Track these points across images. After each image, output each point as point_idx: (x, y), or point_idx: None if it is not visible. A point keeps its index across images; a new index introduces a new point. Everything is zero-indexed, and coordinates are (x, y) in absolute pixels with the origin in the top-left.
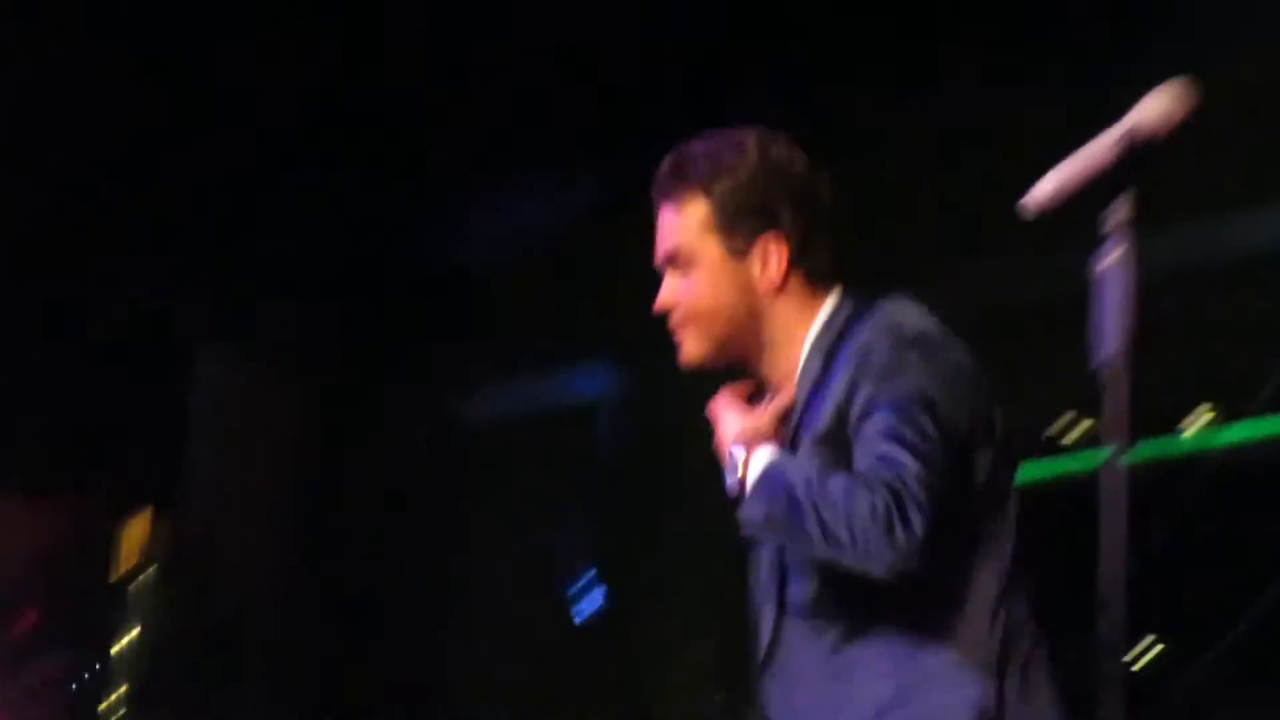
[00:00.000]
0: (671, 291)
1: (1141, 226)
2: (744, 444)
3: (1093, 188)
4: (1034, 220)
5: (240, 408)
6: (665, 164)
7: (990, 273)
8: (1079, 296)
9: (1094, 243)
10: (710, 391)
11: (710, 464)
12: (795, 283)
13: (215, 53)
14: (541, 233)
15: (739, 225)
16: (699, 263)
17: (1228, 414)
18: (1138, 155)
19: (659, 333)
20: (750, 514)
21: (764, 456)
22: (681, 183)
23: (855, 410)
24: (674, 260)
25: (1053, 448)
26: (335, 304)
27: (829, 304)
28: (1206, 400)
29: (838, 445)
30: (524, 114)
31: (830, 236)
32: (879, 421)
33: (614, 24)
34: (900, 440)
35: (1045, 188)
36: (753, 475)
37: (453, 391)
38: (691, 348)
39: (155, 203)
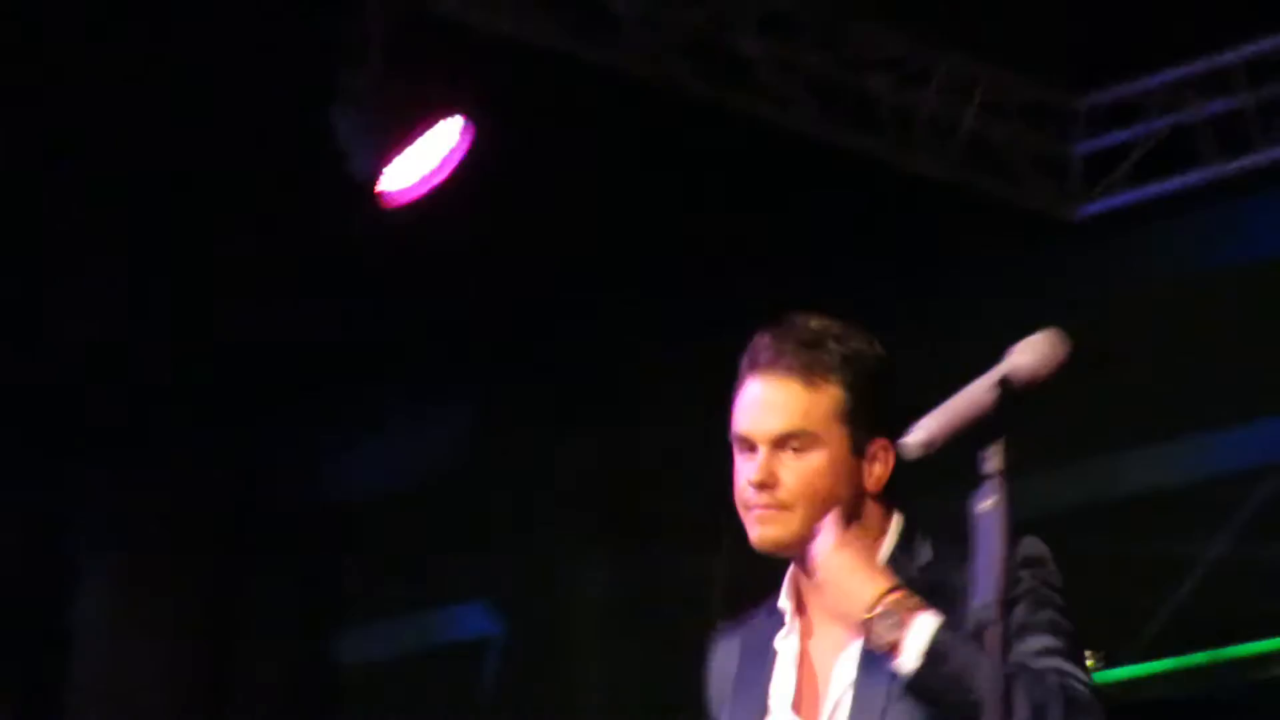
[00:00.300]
0: (785, 469)
1: (1021, 468)
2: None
3: (971, 431)
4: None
5: (121, 626)
6: (792, 335)
7: None
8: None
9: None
10: (581, 632)
11: (586, 704)
12: (881, 495)
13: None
14: (417, 471)
15: (864, 421)
16: (823, 449)
17: (1108, 658)
18: (1014, 400)
19: (532, 573)
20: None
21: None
22: (819, 362)
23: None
24: (792, 439)
25: None
26: (208, 535)
27: (896, 524)
28: (1088, 644)
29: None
30: (398, 353)
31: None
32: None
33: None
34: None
35: (924, 430)
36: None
37: (326, 629)
38: (780, 531)
39: (38, 426)
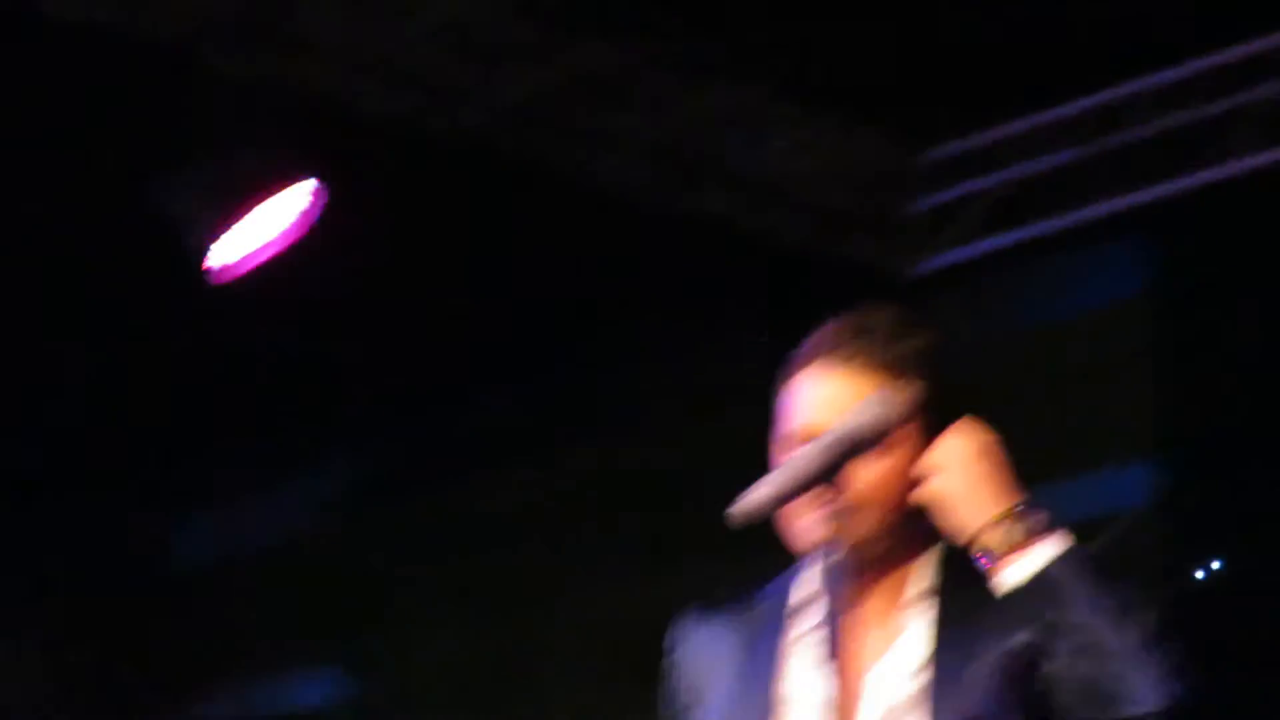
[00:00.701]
0: (859, 469)
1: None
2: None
3: (807, 493)
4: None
5: None
6: (868, 326)
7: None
8: None
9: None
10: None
11: None
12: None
13: None
14: (266, 539)
15: (936, 421)
16: (899, 451)
17: None
18: (846, 464)
19: (381, 642)
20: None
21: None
22: (901, 360)
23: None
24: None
25: None
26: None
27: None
28: None
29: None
30: (242, 426)
31: None
32: None
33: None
34: None
35: (758, 495)
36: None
37: (178, 695)
38: (846, 534)
39: None
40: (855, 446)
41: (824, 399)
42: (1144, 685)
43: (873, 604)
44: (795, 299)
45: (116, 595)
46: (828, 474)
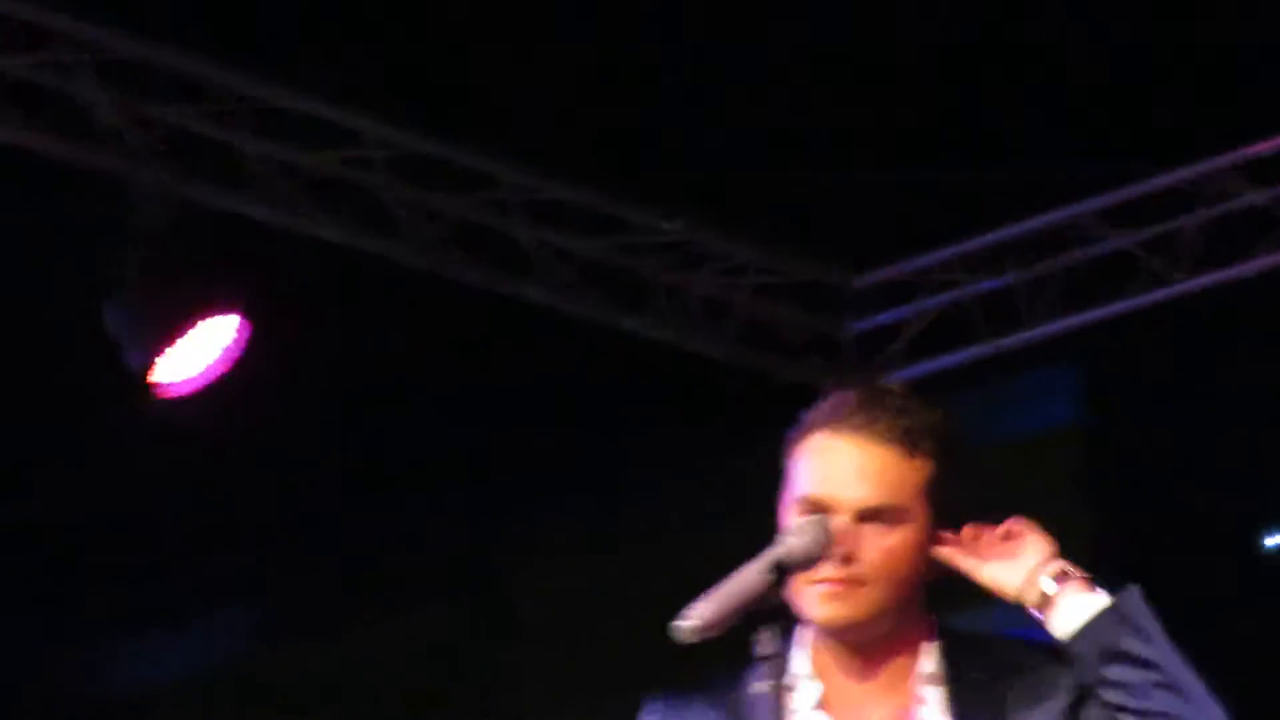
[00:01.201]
0: (868, 543)
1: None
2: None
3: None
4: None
5: None
6: (884, 398)
7: None
8: None
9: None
10: None
11: None
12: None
13: None
14: (211, 660)
15: (944, 503)
16: (909, 526)
17: None
18: (786, 584)
19: None
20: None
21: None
22: (915, 430)
23: None
24: (884, 513)
25: None
26: None
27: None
28: None
29: None
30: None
31: None
32: None
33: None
34: None
35: (700, 614)
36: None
37: None
38: (852, 610)
39: None
40: (792, 568)
41: (840, 469)
42: None
43: (875, 685)
44: (739, 420)
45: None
46: (767, 593)
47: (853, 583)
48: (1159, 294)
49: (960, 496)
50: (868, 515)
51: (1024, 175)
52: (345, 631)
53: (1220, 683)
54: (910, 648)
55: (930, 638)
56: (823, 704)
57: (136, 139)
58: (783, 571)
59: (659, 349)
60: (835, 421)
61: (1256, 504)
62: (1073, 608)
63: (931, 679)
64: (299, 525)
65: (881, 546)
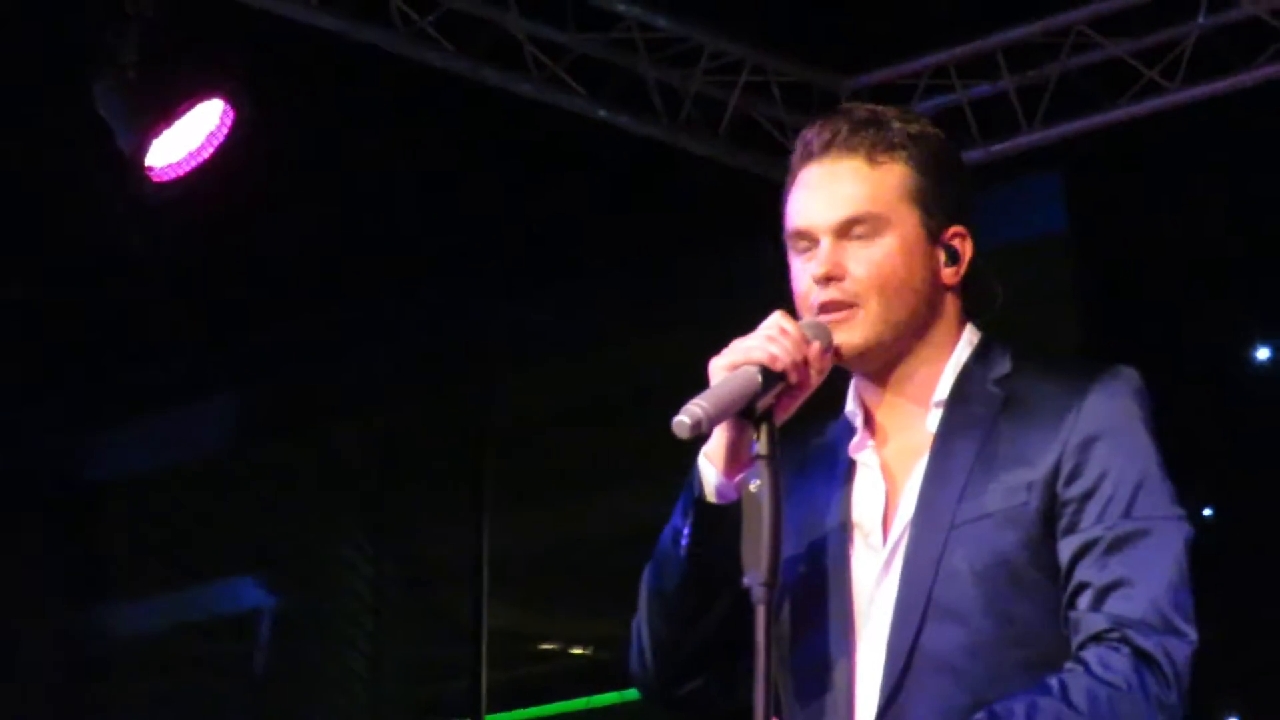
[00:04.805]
0: (852, 259)
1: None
2: None
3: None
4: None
5: None
6: (848, 117)
7: None
8: None
9: None
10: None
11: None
12: (959, 294)
13: None
14: (189, 448)
15: (937, 205)
16: (893, 231)
17: None
18: (778, 385)
19: (303, 549)
20: None
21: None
22: (881, 139)
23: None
24: (857, 224)
25: None
26: None
27: (970, 333)
28: None
29: (1032, 527)
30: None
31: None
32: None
33: None
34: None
35: (694, 412)
36: None
37: (96, 603)
38: (862, 330)
39: None
40: (776, 375)
41: (811, 193)
42: None
43: (901, 411)
44: (730, 221)
45: (36, 503)
46: (759, 394)
47: (857, 299)
48: (1151, 103)
49: (959, 195)
50: (843, 230)
51: None
52: (317, 426)
53: (1197, 497)
54: (936, 366)
55: (955, 344)
56: (864, 439)
57: None
58: (772, 374)
59: (649, 145)
60: (805, 154)
61: (1241, 315)
62: None
63: (938, 404)
64: (282, 317)
65: (865, 259)
